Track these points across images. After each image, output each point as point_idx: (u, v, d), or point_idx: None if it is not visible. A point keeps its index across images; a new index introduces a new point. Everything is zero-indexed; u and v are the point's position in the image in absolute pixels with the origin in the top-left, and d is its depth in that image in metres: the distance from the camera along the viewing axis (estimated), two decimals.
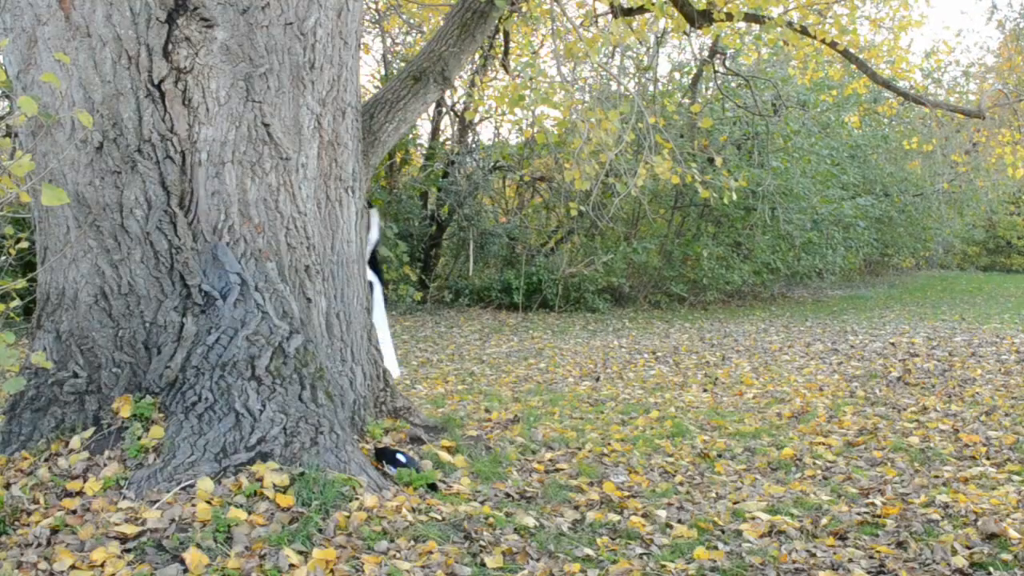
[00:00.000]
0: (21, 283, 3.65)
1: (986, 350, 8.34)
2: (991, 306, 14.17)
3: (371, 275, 5.78)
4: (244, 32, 3.82)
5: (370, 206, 5.66)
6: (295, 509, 3.26)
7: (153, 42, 3.69)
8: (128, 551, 2.98)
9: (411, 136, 13.47)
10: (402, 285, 11.70)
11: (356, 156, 4.43)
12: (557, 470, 4.33)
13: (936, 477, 4.24)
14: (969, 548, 3.24)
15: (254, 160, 3.88)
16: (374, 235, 5.76)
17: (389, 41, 13.48)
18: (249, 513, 3.21)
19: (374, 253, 5.96)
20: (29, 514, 3.27)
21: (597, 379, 7.38)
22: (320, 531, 3.15)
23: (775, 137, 13.66)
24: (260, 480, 3.36)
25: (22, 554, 2.97)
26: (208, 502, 3.23)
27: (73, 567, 2.88)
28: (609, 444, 4.85)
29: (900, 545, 3.31)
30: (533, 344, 9.72)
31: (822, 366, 7.90)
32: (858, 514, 3.66)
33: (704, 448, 4.83)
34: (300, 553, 2.96)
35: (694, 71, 14.30)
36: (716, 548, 3.29)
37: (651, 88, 13.97)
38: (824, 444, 4.92)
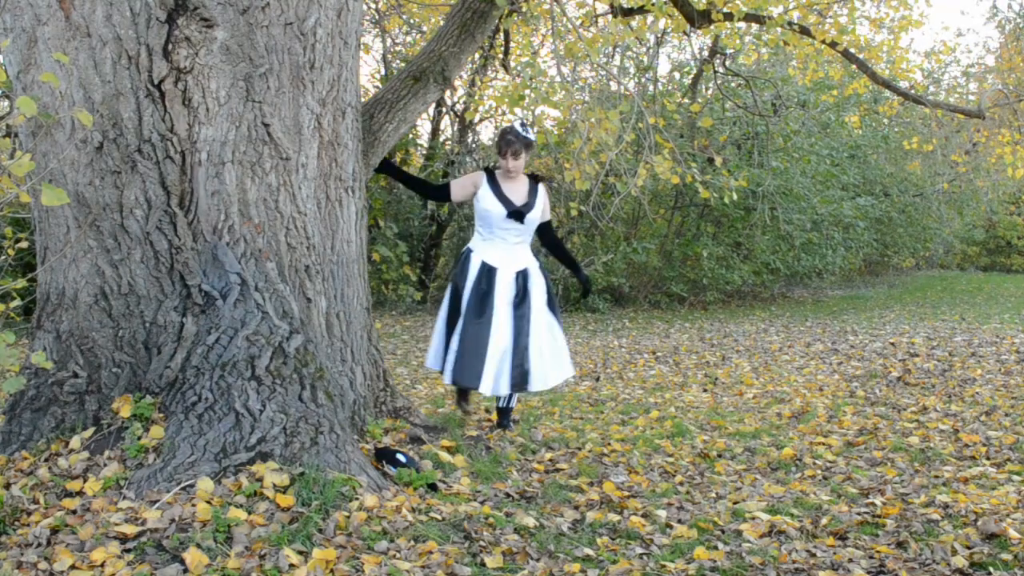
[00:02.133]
0: (21, 283, 3.66)
1: (986, 350, 8.34)
2: (991, 306, 14.17)
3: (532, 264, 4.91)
4: (244, 32, 3.82)
5: (538, 180, 4.96)
6: (295, 509, 3.26)
7: (153, 42, 3.69)
8: (128, 551, 2.98)
9: (411, 136, 13.46)
10: (402, 285, 11.70)
11: (356, 156, 4.43)
12: (557, 470, 4.33)
13: (936, 477, 4.24)
14: (969, 548, 3.24)
15: (254, 160, 3.89)
16: (543, 210, 4.97)
17: (389, 41, 13.48)
18: (249, 513, 3.21)
19: (555, 236, 5.17)
20: (29, 514, 3.27)
21: (597, 379, 7.38)
22: (320, 531, 3.15)
23: (775, 137, 13.66)
24: (260, 480, 3.36)
25: (22, 554, 2.97)
26: (208, 502, 3.23)
27: (73, 567, 2.88)
28: (609, 444, 4.84)
29: (900, 545, 3.31)
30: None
31: (822, 366, 7.90)
32: (858, 514, 3.66)
33: (704, 448, 4.83)
34: (300, 553, 2.96)
35: (694, 71, 14.30)
36: (716, 548, 3.29)
37: (651, 88, 13.96)
38: (824, 444, 4.92)
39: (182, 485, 3.32)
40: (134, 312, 3.79)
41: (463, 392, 5.13)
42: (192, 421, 3.55)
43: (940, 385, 6.66)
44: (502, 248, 4.87)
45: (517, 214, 4.81)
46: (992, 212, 22.84)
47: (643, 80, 14.13)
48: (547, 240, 5.09)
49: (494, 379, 4.70)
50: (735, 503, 3.86)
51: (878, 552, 3.23)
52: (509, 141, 4.75)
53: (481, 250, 4.87)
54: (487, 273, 4.80)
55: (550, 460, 4.48)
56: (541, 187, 4.94)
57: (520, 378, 4.74)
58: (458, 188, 4.92)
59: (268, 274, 3.90)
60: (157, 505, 3.21)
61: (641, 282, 14.17)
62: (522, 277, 4.85)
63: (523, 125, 4.79)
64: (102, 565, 2.88)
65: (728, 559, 3.18)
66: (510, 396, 4.99)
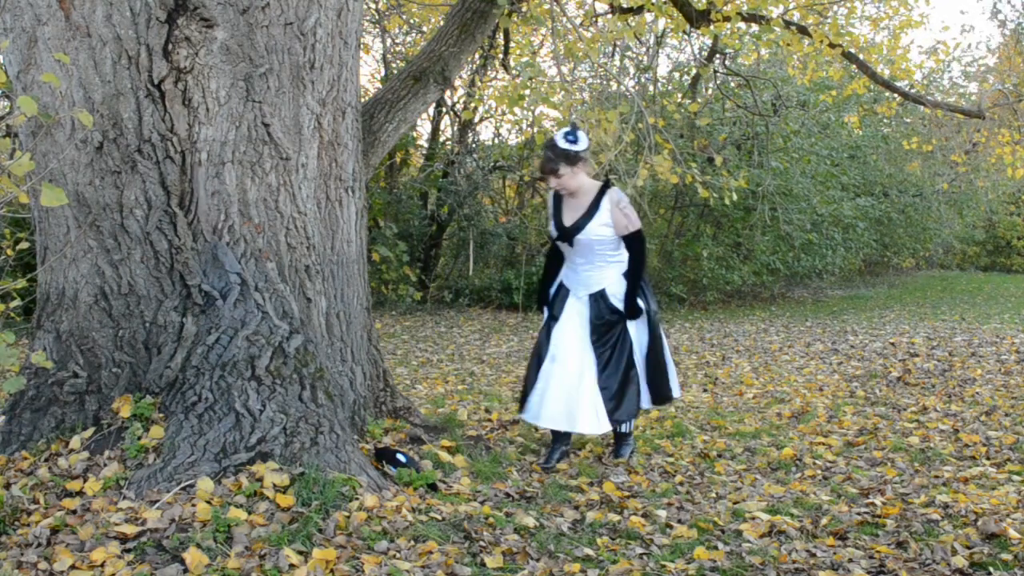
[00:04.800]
0: (21, 283, 3.66)
1: (986, 350, 8.34)
2: (991, 306, 14.17)
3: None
4: (244, 32, 3.82)
5: (606, 188, 4.28)
6: (295, 509, 3.26)
7: (153, 42, 3.69)
8: (128, 551, 2.98)
9: (411, 136, 13.46)
10: (402, 285, 11.70)
11: (356, 156, 4.43)
12: (557, 470, 4.32)
13: (936, 477, 4.24)
14: (969, 548, 3.24)
15: (254, 160, 3.88)
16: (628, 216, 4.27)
17: (389, 41, 13.48)
18: (249, 513, 3.21)
19: (635, 251, 4.34)
20: (29, 514, 3.27)
21: None
22: (320, 531, 3.15)
23: (775, 137, 13.66)
24: (260, 480, 3.36)
25: (22, 554, 2.97)
26: (208, 502, 3.23)
27: (73, 567, 2.88)
28: (609, 444, 4.84)
29: (900, 545, 3.31)
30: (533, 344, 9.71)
31: (822, 366, 7.90)
32: (858, 514, 3.66)
33: (704, 448, 4.83)
34: (300, 553, 2.96)
35: (694, 71, 14.31)
36: (716, 548, 3.29)
37: (651, 88, 13.96)
38: (824, 444, 4.92)
39: (182, 485, 3.32)
40: (134, 312, 3.78)
41: (557, 438, 4.47)
42: (192, 421, 3.55)
43: (940, 385, 6.66)
44: (570, 271, 4.43)
45: (564, 235, 4.32)
46: (992, 212, 22.83)
47: (643, 80, 14.13)
48: (628, 254, 4.36)
49: (540, 407, 4.30)
50: (735, 503, 3.86)
51: (878, 552, 3.23)
52: (546, 158, 4.24)
53: (563, 273, 4.49)
54: (561, 295, 4.43)
55: None
56: (606, 198, 4.26)
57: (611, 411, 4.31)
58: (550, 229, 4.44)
59: (268, 274, 3.90)
60: (157, 505, 3.21)
61: None
62: (598, 300, 4.34)
63: (568, 133, 4.21)
64: (102, 565, 2.88)
65: (728, 559, 3.18)
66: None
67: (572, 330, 4.35)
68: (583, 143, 4.24)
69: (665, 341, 4.52)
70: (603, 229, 4.27)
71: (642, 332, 4.42)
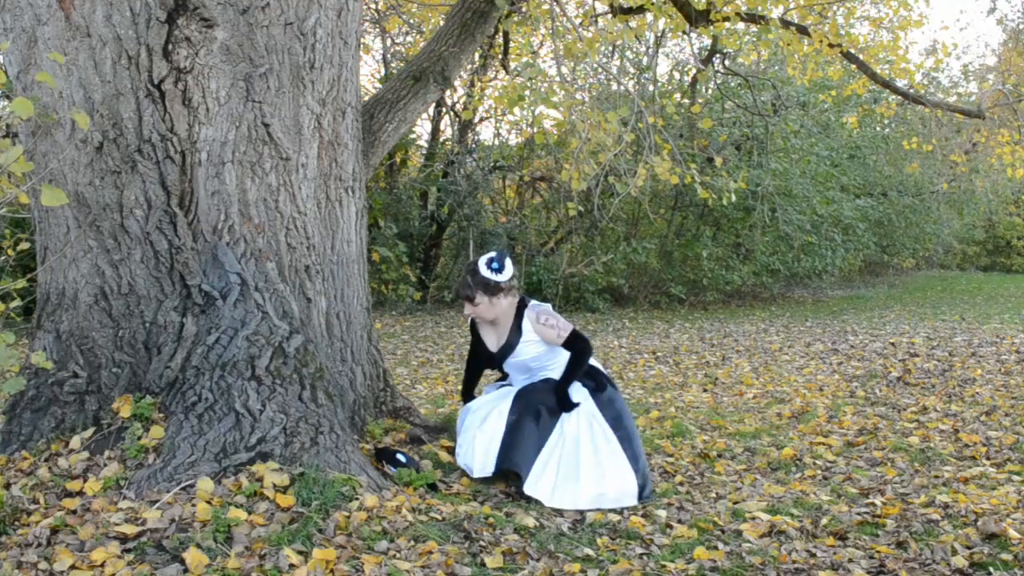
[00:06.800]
0: (21, 283, 3.66)
1: (986, 350, 8.34)
2: (991, 306, 14.17)
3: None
4: (244, 32, 3.82)
5: (523, 308, 3.99)
6: (295, 509, 3.26)
7: (153, 42, 3.69)
8: (128, 551, 2.98)
9: (411, 136, 13.47)
10: (402, 285, 11.71)
11: (356, 156, 4.43)
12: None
13: (936, 477, 4.24)
14: (969, 548, 3.24)
15: (254, 160, 3.88)
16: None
17: (389, 41, 13.48)
18: (249, 513, 3.21)
19: (573, 353, 3.98)
20: (29, 514, 3.27)
21: None
22: (320, 531, 3.15)
23: (775, 138, 13.66)
24: (260, 480, 3.36)
25: (22, 554, 2.97)
26: (208, 502, 3.23)
27: (73, 567, 2.88)
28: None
29: (900, 545, 3.31)
30: None
31: (822, 366, 7.90)
32: (858, 514, 3.66)
33: (704, 448, 4.83)
34: (300, 553, 2.96)
35: (693, 71, 14.31)
36: (716, 548, 3.29)
37: (651, 88, 13.97)
38: (824, 444, 4.92)
39: (182, 485, 3.32)
40: (134, 312, 3.78)
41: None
42: (192, 421, 3.55)
43: (940, 385, 6.66)
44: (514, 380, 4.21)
45: (492, 362, 4.14)
46: (992, 213, 22.84)
47: (642, 80, 14.13)
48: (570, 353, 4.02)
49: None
50: (735, 503, 3.86)
51: (878, 552, 3.23)
52: (464, 283, 3.95)
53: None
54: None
55: None
56: (526, 319, 3.99)
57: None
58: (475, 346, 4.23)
59: (268, 274, 3.90)
60: (157, 505, 3.21)
61: (641, 282, 14.17)
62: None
63: (492, 260, 3.91)
64: (102, 565, 2.88)
65: (728, 559, 3.18)
66: None
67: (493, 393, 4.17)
68: (507, 273, 3.92)
69: (628, 425, 4.04)
70: (533, 347, 4.00)
71: (589, 419, 3.96)
